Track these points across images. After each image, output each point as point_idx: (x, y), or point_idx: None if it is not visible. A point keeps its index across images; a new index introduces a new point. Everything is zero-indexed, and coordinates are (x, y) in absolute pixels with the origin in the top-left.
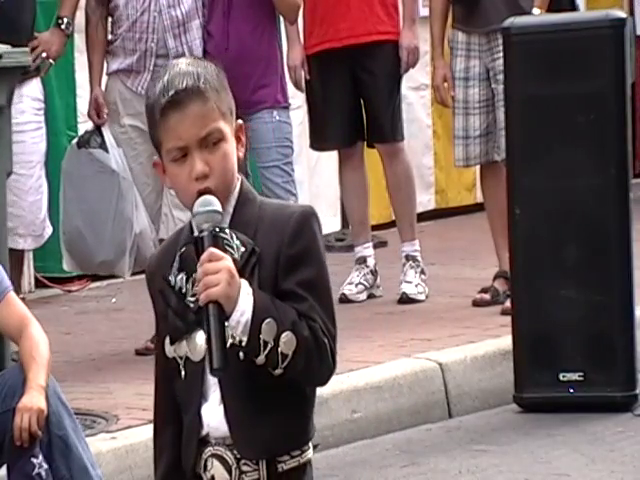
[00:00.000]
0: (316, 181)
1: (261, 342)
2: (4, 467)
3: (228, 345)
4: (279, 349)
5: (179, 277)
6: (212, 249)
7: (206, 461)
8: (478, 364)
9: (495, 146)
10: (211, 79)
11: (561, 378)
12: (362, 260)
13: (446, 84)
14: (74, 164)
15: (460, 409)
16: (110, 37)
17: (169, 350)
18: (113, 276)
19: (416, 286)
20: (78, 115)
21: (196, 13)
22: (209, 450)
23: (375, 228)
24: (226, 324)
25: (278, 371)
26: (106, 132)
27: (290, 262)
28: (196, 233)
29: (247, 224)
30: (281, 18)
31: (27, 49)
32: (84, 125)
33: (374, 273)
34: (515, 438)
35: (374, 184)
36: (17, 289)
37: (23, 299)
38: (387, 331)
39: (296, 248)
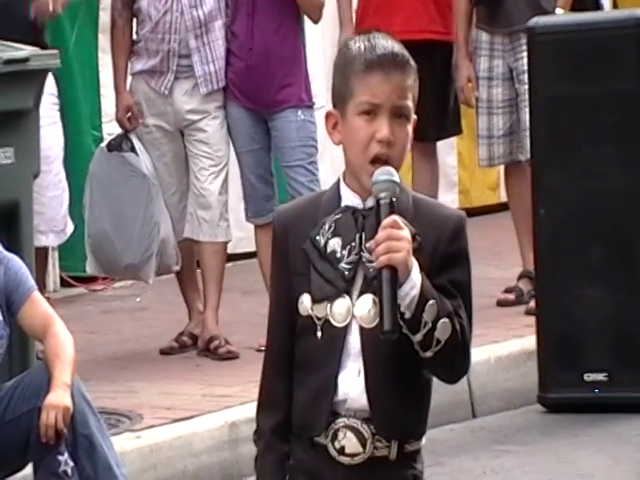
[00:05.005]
0: None
1: (422, 321)
2: (30, 465)
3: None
4: (435, 333)
5: (333, 241)
6: (396, 217)
7: (336, 431)
8: (502, 364)
9: (519, 146)
10: (414, 66)
11: (586, 378)
12: None
13: (470, 84)
14: (103, 167)
15: (484, 409)
16: (135, 37)
17: (305, 308)
18: None
19: None
20: (102, 115)
21: (219, 13)
22: (342, 421)
23: None
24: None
25: (428, 354)
26: (134, 137)
27: (446, 260)
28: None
29: (402, 211)
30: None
31: (55, 52)
32: (108, 125)
33: None
34: (539, 438)
35: None
36: (42, 288)
37: (48, 298)
38: None
39: (454, 247)
